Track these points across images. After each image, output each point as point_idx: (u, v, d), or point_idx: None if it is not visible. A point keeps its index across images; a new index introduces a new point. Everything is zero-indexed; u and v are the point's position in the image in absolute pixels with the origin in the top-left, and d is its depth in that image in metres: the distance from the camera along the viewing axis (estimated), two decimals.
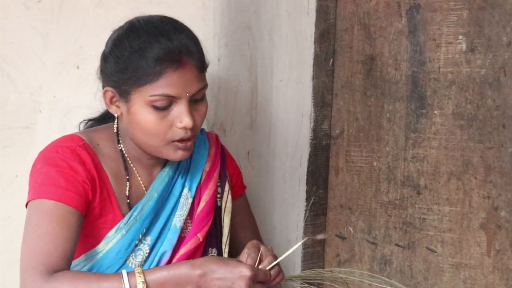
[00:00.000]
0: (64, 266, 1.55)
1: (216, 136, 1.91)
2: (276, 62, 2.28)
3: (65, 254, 1.56)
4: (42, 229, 1.56)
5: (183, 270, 1.54)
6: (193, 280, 1.53)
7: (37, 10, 1.90)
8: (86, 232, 1.65)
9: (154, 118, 1.62)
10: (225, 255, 1.83)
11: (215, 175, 1.83)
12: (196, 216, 1.78)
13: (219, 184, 1.85)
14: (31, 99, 1.93)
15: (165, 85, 1.60)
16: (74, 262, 1.64)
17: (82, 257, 1.67)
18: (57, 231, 1.56)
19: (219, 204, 1.84)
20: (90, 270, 1.66)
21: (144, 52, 1.60)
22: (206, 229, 1.77)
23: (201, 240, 1.76)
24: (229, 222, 1.85)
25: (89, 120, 1.87)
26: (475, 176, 2.02)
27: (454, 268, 2.06)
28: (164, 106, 1.62)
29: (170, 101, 1.62)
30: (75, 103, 1.96)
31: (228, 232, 1.85)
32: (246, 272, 1.56)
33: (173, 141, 1.65)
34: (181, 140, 1.65)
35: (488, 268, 2.00)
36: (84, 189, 1.62)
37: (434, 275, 2.11)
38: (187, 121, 1.62)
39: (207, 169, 1.83)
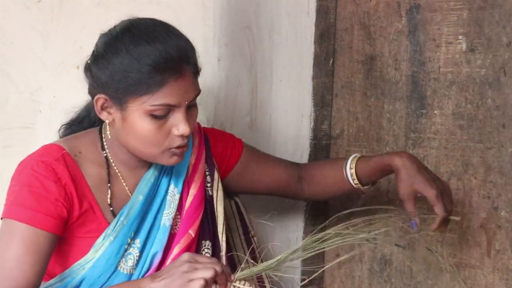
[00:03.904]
0: None
1: (198, 125, 1.87)
2: (276, 62, 2.28)
3: (30, 280, 1.56)
4: (10, 253, 1.56)
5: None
6: None
7: (37, 10, 1.90)
8: (67, 247, 1.65)
9: (152, 127, 1.60)
10: (223, 243, 1.81)
11: (201, 166, 1.82)
12: (185, 212, 1.76)
13: (207, 173, 1.83)
14: (31, 99, 1.93)
15: (165, 95, 1.58)
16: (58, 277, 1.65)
17: (66, 271, 1.67)
18: (24, 257, 1.56)
19: (210, 193, 1.83)
20: (81, 281, 1.65)
21: (143, 60, 1.57)
22: (197, 223, 1.76)
23: (193, 236, 1.75)
24: (222, 210, 1.83)
25: (69, 124, 1.82)
26: (475, 176, 2.01)
27: (454, 268, 2.06)
28: (162, 115, 1.60)
29: (169, 109, 1.61)
30: (75, 103, 1.96)
31: (223, 220, 1.82)
32: (183, 256, 1.55)
33: (170, 148, 1.64)
34: (178, 147, 1.65)
35: (488, 268, 2.00)
36: (56, 209, 1.60)
37: (434, 275, 2.10)
38: (184, 128, 1.62)
39: (192, 161, 1.81)
